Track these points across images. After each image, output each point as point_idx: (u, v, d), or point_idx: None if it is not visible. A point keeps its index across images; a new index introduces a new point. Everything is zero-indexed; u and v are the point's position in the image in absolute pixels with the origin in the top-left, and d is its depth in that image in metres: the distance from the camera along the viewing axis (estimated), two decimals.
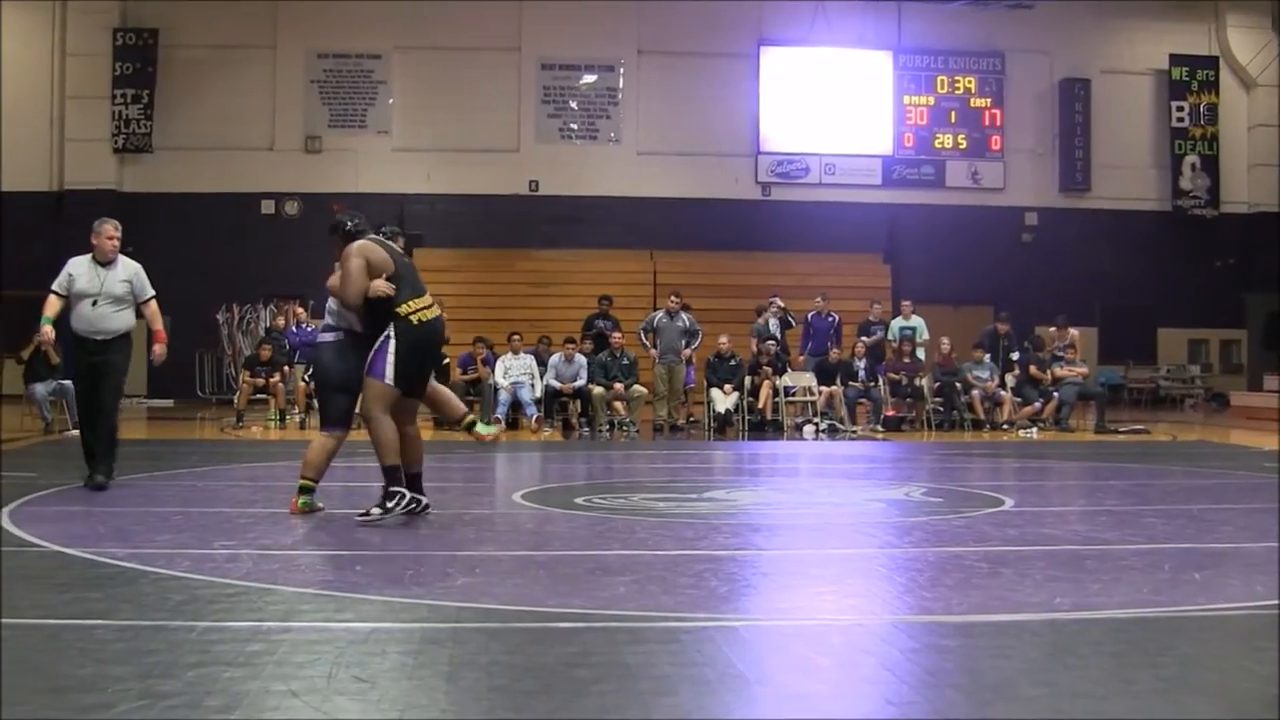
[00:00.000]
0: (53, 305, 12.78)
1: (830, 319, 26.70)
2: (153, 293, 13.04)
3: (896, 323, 27.23)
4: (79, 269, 12.79)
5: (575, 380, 23.95)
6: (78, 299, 12.68)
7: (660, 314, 25.18)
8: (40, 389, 21.92)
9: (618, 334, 24.89)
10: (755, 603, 7.67)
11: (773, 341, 25.12)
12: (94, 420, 12.92)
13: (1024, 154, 37.24)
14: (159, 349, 12.90)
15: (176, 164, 34.36)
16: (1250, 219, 37.80)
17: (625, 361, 24.18)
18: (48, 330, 12.89)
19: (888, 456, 19.60)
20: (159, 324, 13.04)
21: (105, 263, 12.76)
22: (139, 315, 13.02)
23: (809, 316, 26.81)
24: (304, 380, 24.54)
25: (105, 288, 12.67)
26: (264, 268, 34.03)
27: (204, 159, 34.45)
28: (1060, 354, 25.48)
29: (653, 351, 24.67)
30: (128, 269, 12.88)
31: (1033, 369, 25.26)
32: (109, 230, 12.86)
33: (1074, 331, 26.51)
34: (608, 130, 36.11)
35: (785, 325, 26.55)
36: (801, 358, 26.28)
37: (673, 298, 25.19)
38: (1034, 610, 7.01)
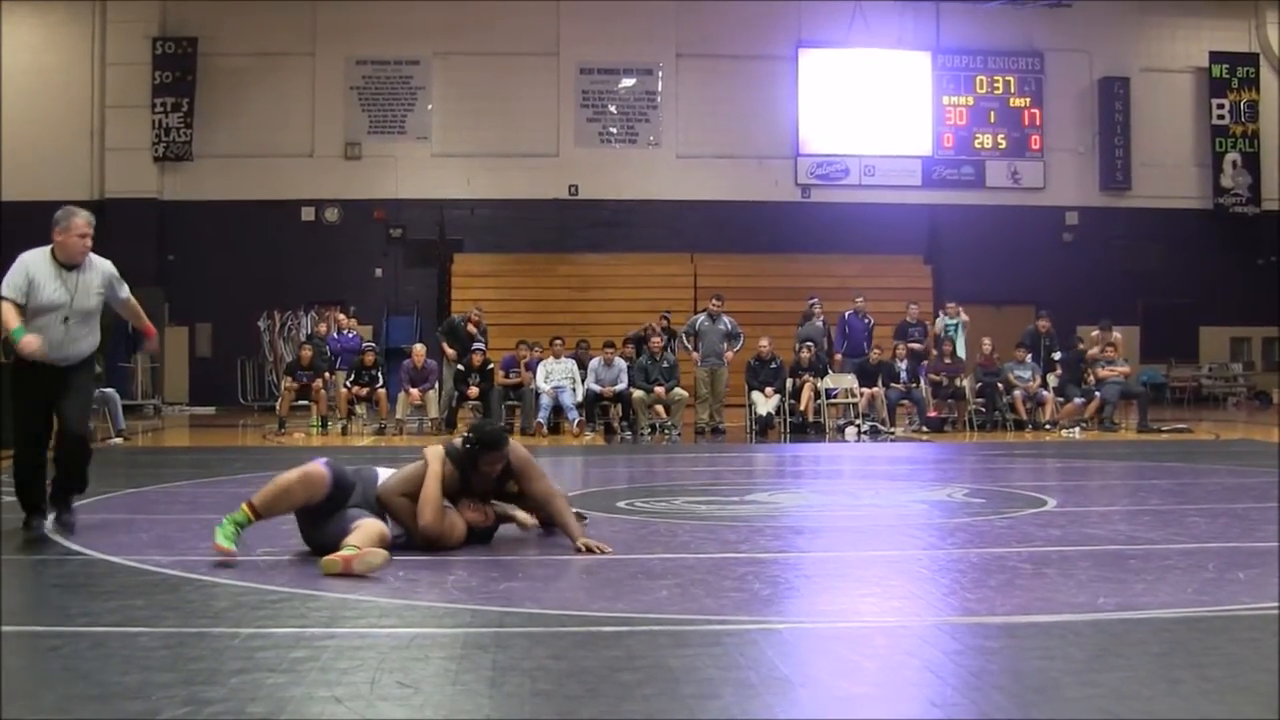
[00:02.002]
0: (15, 316, 9.71)
1: (867, 320, 26.68)
2: (128, 291, 10.56)
3: (942, 320, 27.34)
4: (40, 271, 9.89)
5: (616, 384, 23.96)
6: (37, 313, 9.85)
7: (702, 317, 25.19)
8: None
9: (657, 338, 24.89)
10: (798, 605, 7.66)
11: (811, 343, 25.06)
12: (70, 454, 10.21)
13: (1064, 153, 37.15)
14: (153, 344, 11.87)
15: (217, 172, 34.52)
16: None
17: (666, 364, 24.17)
18: (33, 340, 9.69)
19: (930, 458, 19.54)
20: (144, 319, 10.93)
21: (71, 266, 9.98)
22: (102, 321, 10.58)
23: (845, 315, 26.81)
24: (345, 386, 24.60)
25: (76, 300, 9.98)
26: (305, 274, 34.17)
27: (244, 166, 34.59)
28: (1100, 354, 25.39)
29: (695, 355, 24.68)
30: (100, 273, 10.20)
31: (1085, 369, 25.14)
32: (80, 225, 10.00)
33: (1117, 334, 26.36)
34: (647, 134, 36.12)
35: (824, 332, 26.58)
36: (838, 357, 26.25)
37: (714, 300, 25.18)
38: (1078, 611, 6.99)
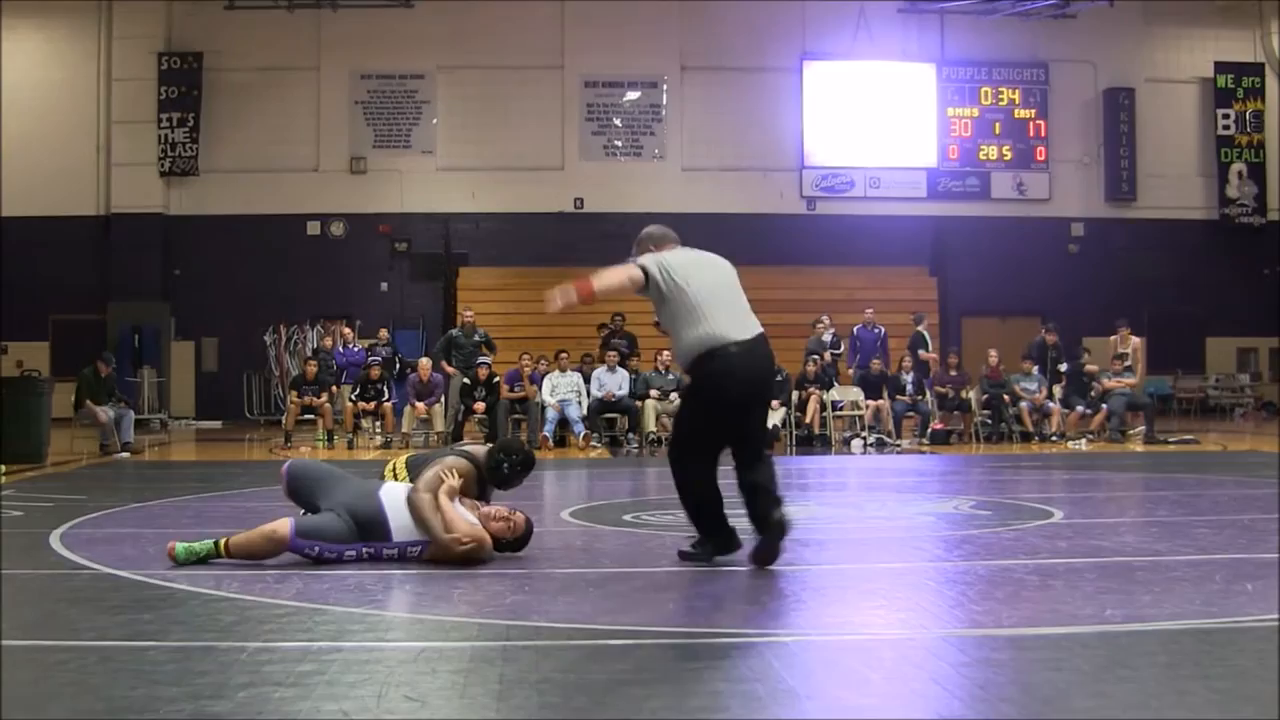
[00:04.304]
0: None
1: (877, 331, 26.69)
2: None
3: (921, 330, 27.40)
4: None
5: (620, 389, 24.02)
6: None
7: None
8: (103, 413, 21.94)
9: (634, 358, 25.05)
10: (805, 618, 7.65)
11: (817, 356, 25.09)
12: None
13: (1069, 164, 37.10)
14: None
15: (222, 186, 34.54)
16: None
17: (671, 374, 24.18)
18: None
19: (936, 470, 19.54)
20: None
21: None
22: None
23: (855, 330, 26.84)
24: (351, 400, 24.60)
25: None
26: (310, 289, 34.18)
27: (249, 181, 34.60)
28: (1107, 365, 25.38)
29: None
30: None
31: (1097, 381, 25.08)
32: None
33: (1135, 339, 26.23)
34: (652, 146, 36.11)
35: (834, 345, 26.59)
36: (850, 370, 26.29)
37: None
38: (1085, 622, 6.98)
